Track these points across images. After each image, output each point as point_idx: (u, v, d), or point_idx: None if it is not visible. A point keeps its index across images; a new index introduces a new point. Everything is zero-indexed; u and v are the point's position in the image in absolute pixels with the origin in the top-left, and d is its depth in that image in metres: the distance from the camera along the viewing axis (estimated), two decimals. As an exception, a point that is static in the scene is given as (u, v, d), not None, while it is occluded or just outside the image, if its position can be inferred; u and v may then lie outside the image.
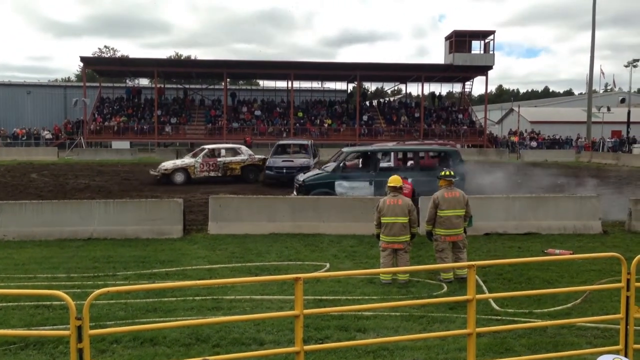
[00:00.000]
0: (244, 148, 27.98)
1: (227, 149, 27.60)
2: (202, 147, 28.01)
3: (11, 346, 6.56)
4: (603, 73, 66.54)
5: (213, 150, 27.05)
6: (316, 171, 19.03)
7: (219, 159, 26.32)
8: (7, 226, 13.15)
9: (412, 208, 9.75)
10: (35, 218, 13.33)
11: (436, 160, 18.98)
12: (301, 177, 18.56)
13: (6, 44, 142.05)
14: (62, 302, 7.80)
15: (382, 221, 9.68)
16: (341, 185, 17.01)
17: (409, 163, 19.12)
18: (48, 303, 8.08)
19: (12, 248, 12.11)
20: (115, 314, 7.73)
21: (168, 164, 26.26)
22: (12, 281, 9.51)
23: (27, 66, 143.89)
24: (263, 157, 27.24)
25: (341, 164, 17.82)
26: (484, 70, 54.30)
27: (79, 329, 4.03)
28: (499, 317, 7.71)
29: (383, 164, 18.73)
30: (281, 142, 29.54)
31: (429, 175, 15.82)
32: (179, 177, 25.62)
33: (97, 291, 4.31)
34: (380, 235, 9.74)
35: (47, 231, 13.13)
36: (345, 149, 19.57)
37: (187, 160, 26.94)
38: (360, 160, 19.27)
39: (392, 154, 19.61)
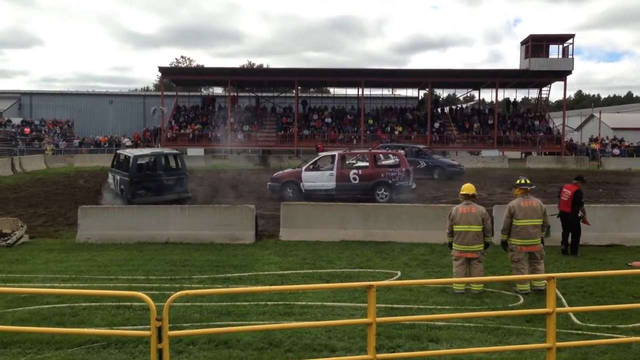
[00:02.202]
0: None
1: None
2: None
3: (94, 344, 6.86)
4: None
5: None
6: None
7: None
8: (90, 230, 13.79)
9: (486, 216, 9.52)
10: (117, 222, 13.91)
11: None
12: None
13: (90, 55, 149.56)
14: (141, 303, 8.11)
15: (454, 229, 9.50)
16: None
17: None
18: (128, 304, 8.40)
19: (95, 250, 12.67)
20: (191, 317, 7.94)
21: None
22: (95, 282, 9.97)
23: (109, 76, 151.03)
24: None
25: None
26: (562, 75, 52.46)
27: (159, 329, 4.16)
28: (580, 332, 7.39)
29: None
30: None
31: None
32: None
33: (176, 293, 4.44)
34: (453, 244, 9.56)
35: (127, 235, 13.67)
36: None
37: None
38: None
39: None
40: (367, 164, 21.28)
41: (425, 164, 30.38)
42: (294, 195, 20.61)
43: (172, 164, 20.17)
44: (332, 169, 20.74)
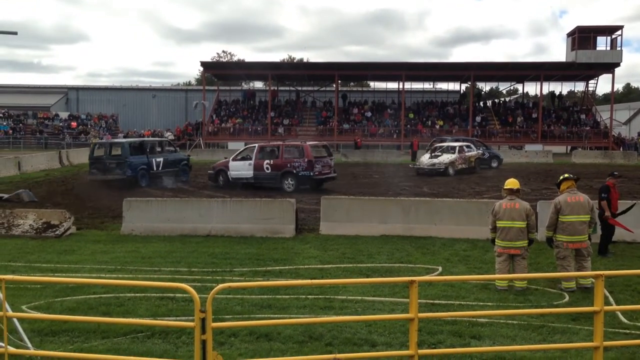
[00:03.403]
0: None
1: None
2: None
3: (139, 334, 7.01)
4: None
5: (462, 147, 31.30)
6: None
7: (466, 154, 30.67)
8: (135, 222, 14.08)
9: (531, 212, 9.33)
10: (160, 215, 14.17)
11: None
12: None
13: (134, 50, 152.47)
14: (185, 295, 8.25)
15: (497, 225, 9.35)
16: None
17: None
18: (172, 295, 8.55)
19: (139, 242, 12.94)
20: (233, 309, 8.03)
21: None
22: (139, 273, 10.19)
23: (151, 71, 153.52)
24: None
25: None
26: (610, 67, 51.01)
27: (203, 321, 4.21)
28: (628, 331, 7.19)
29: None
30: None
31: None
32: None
33: (220, 286, 4.50)
34: (496, 240, 9.40)
35: (170, 227, 13.90)
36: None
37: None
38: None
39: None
40: (295, 154, 22.84)
41: (488, 155, 34.45)
42: (224, 182, 23.29)
43: (118, 151, 24.27)
44: (251, 159, 22.79)
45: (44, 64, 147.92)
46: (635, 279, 9.47)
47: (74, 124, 59.17)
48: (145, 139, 33.25)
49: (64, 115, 61.76)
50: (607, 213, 11.61)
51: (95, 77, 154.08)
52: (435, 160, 29.62)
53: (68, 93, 69.22)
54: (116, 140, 27.80)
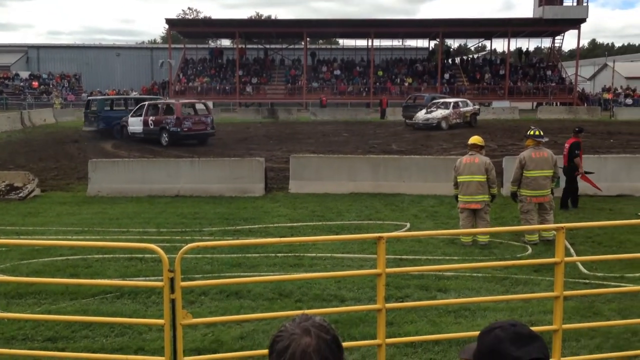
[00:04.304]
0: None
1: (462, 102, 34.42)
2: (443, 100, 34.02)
3: (108, 295, 6.99)
4: None
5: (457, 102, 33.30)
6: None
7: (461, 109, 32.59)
8: (101, 183, 13.89)
9: (490, 166, 9.42)
10: (127, 175, 13.99)
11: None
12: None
13: (95, 7, 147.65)
14: (154, 255, 8.21)
15: (458, 180, 9.44)
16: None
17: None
18: (141, 256, 8.52)
19: (106, 203, 12.80)
20: (202, 268, 8.05)
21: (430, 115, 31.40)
22: (108, 234, 10.10)
23: (115, 29, 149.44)
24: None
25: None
26: (576, 23, 51.33)
27: (172, 280, 4.21)
28: (587, 281, 7.45)
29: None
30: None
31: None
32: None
33: (188, 245, 4.48)
34: (458, 196, 9.52)
35: (138, 188, 13.76)
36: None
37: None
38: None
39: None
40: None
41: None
42: (125, 136, 25.57)
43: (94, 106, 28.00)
44: (141, 115, 24.82)
45: (1, 22, 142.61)
46: (596, 230, 9.77)
47: (35, 83, 57.43)
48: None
49: (24, 74, 59.84)
50: (582, 170, 11.86)
51: (56, 35, 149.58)
52: (429, 116, 31.46)
53: (28, 52, 67.05)
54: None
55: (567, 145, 12.18)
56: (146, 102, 26.01)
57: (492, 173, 9.44)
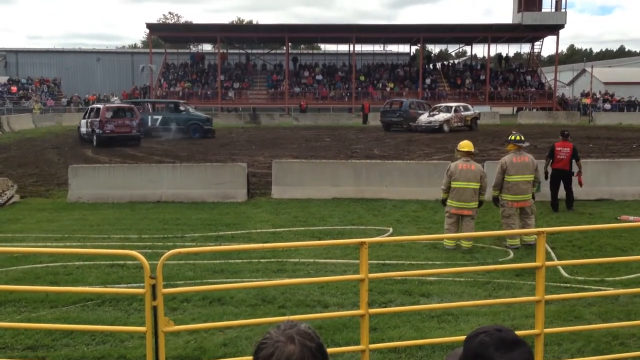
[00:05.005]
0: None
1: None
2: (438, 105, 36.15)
3: (89, 302, 6.90)
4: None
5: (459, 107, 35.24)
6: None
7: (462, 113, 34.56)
8: (81, 189, 13.72)
9: (484, 174, 9.49)
10: (108, 181, 13.85)
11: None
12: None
13: (75, 11, 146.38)
14: (135, 262, 8.12)
15: (452, 186, 9.44)
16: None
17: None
18: (122, 262, 8.42)
19: (87, 210, 12.65)
20: (185, 274, 7.99)
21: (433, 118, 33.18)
22: (88, 241, 9.98)
23: (95, 34, 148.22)
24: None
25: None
26: (554, 29, 52.03)
27: (153, 287, 4.17)
28: (568, 285, 7.51)
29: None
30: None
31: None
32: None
33: (170, 252, 4.45)
34: (448, 201, 9.53)
35: (119, 194, 13.62)
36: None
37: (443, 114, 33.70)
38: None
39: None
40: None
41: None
42: (80, 139, 27.51)
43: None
44: (98, 117, 25.96)
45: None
46: (576, 235, 9.87)
47: (14, 88, 56.66)
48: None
49: (3, 79, 59.01)
50: (582, 174, 12.02)
51: (35, 40, 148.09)
52: (431, 119, 33.14)
53: (7, 56, 66.21)
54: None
55: (567, 150, 12.24)
56: (95, 106, 28.28)
57: (485, 181, 9.50)
